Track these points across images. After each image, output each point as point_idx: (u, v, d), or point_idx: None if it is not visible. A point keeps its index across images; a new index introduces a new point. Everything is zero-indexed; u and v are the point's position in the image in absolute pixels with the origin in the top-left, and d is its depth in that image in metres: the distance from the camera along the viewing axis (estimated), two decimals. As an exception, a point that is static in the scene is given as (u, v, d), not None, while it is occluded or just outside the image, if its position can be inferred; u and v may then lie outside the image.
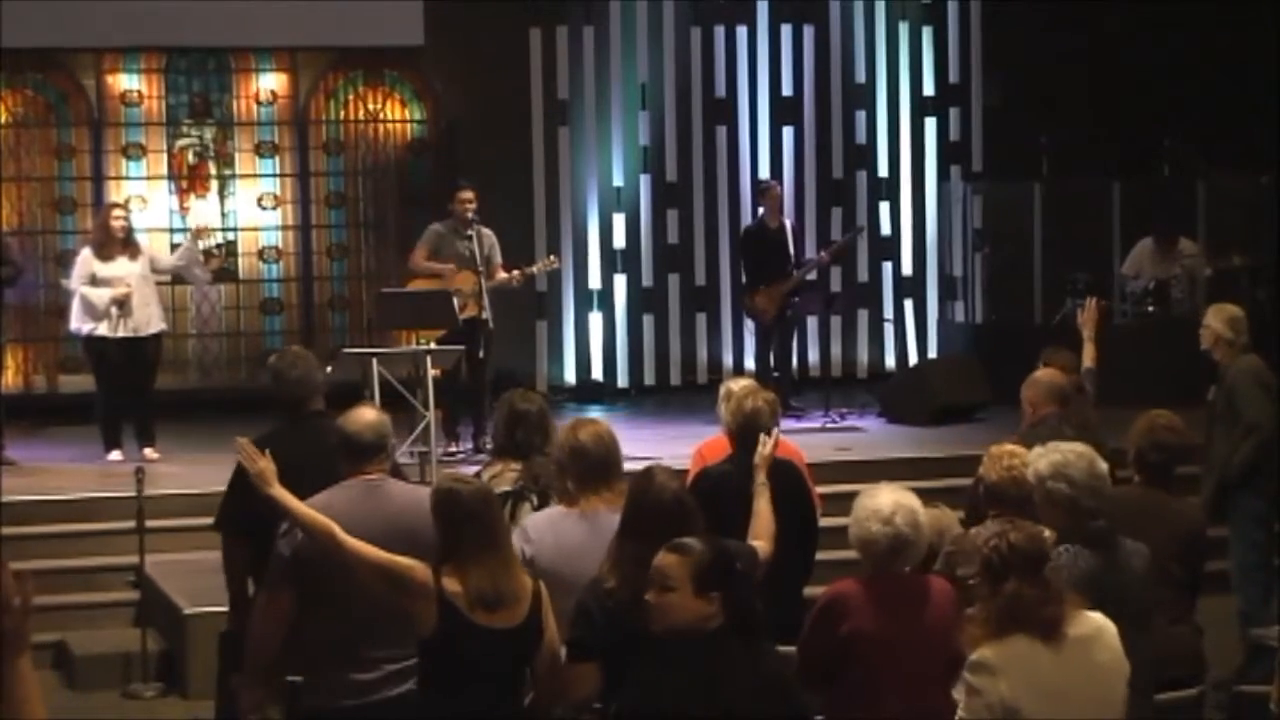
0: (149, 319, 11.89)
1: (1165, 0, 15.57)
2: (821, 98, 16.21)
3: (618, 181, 15.73)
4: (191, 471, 10.95)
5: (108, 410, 12.01)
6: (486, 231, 12.12)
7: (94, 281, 11.76)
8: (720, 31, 15.99)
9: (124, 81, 14.88)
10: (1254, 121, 15.05)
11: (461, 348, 11.54)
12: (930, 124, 16.52)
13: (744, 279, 14.26)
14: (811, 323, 15.63)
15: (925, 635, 5.40)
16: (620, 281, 15.77)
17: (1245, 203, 14.93)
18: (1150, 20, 15.76)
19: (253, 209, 15.14)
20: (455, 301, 11.56)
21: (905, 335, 16.38)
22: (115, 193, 14.42)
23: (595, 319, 15.72)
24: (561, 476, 6.06)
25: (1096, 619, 5.04)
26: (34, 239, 14.56)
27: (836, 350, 16.09)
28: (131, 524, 9.30)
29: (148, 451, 11.79)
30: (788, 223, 14.06)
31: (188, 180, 15.01)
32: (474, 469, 7.42)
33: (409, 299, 11.85)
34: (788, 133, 16.17)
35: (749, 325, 14.40)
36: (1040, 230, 15.24)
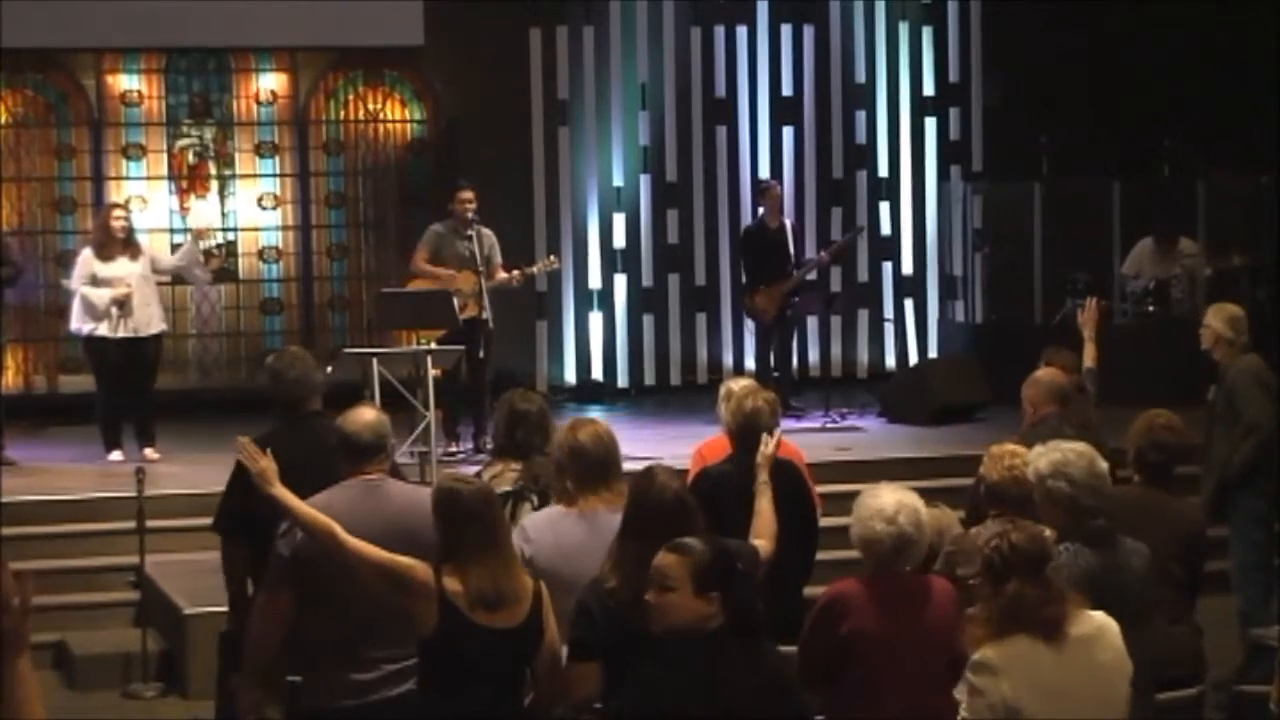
0: (149, 319, 11.89)
1: (1165, 0, 15.57)
2: (821, 98, 16.21)
3: (618, 181, 15.73)
4: (191, 471, 10.95)
5: (108, 410, 12.01)
6: (486, 231, 12.12)
7: (94, 282, 11.75)
8: (720, 31, 15.98)
9: (124, 81, 14.89)
10: (1254, 121, 15.05)
11: (461, 348, 11.54)
12: (930, 124, 16.52)
13: (744, 279, 14.26)
14: (811, 323, 15.64)
15: (926, 635, 5.40)
16: (620, 281, 15.77)
17: (1245, 203, 14.93)
18: (1150, 20, 15.75)
19: (253, 209, 15.14)
20: (455, 301, 11.56)
21: (905, 335, 16.38)
22: (115, 193, 14.42)
23: (595, 319, 15.72)
24: (560, 476, 6.06)
25: (1098, 618, 5.04)
26: (34, 239, 14.56)
27: (836, 350, 16.09)
28: (132, 524, 9.30)
29: (148, 451, 11.79)
30: (788, 223, 14.06)
31: (188, 180, 15.01)
32: (474, 469, 7.43)
33: (409, 299, 11.85)
34: (788, 133, 16.17)
35: (749, 325, 14.40)
36: (1040, 230, 15.24)
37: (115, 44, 14.54)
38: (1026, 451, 6.06)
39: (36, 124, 14.70)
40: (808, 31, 16.17)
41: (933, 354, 16.09)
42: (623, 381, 15.70)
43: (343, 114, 15.34)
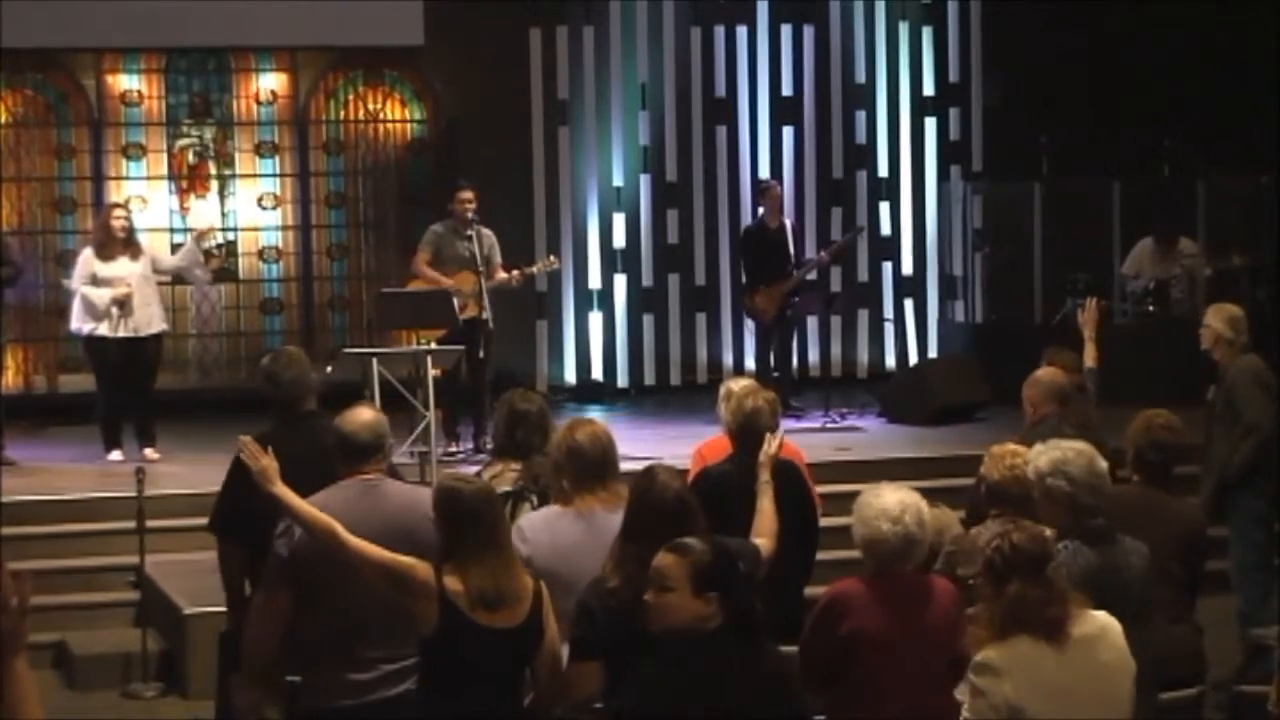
0: (150, 319, 11.88)
1: (1165, 0, 15.57)
2: (821, 98, 16.21)
3: (618, 181, 15.73)
4: (191, 471, 10.94)
5: (108, 410, 12.00)
6: (486, 231, 12.12)
7: (95, 281, 11.75)
8: (720, 31, 15.98)
9: (124, 81, 14.89)
10: (1254, 121, 15.05)
11: (461, 348, 11.54)
12: (930, 124, 16.52)
13: (744, 279, 14.25)
14: (811, 323, 15.64)
15: (927, 635, 5.39)
16: (620, 281, 15.77)
17: (1245, 203, 14.93)
18: (1150, 20, 15.75)
19: (253, 209, 15.15)
20: (455, 301, 11.56)
21: (905, 335, 16.38)
22: (115, 193, 14.42)
23: (595, 319, 15.72)
24: (557, 476, 6.06)
25: (1101, 618, 5.04)
26: (34, 239, 14.56)
27: (836, 350, 16.09)
28: (131, 524, 9.30)
29: (148, 451, 11.79)
30: (788, 223, 14.06)
31: (188, 180, 15.01)
32: (474, 469, 7.42)
33: (409, 299, 11.85)
34: (788, 133, 16.17)
35: (749, 325, 14.40)
36: (1040, 230, 15.24)
37: (115, 44, 14.54)
38: (1027, 451, 6.06)
39: (36, 124, 14.70)
40: (808, 31, 16.17)
41: (933, 354, 16.09)
42: (623, 381, 15.70)
43: (343, 114, 15.34)
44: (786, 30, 16.13)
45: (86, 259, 11.88)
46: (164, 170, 14.91)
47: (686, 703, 4.65)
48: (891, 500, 5.45)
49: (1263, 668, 6.62)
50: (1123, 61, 15.96)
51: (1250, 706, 6.49)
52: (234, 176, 15.08)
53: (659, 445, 10.72)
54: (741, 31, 16.03)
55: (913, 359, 16.07)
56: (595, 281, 15.70)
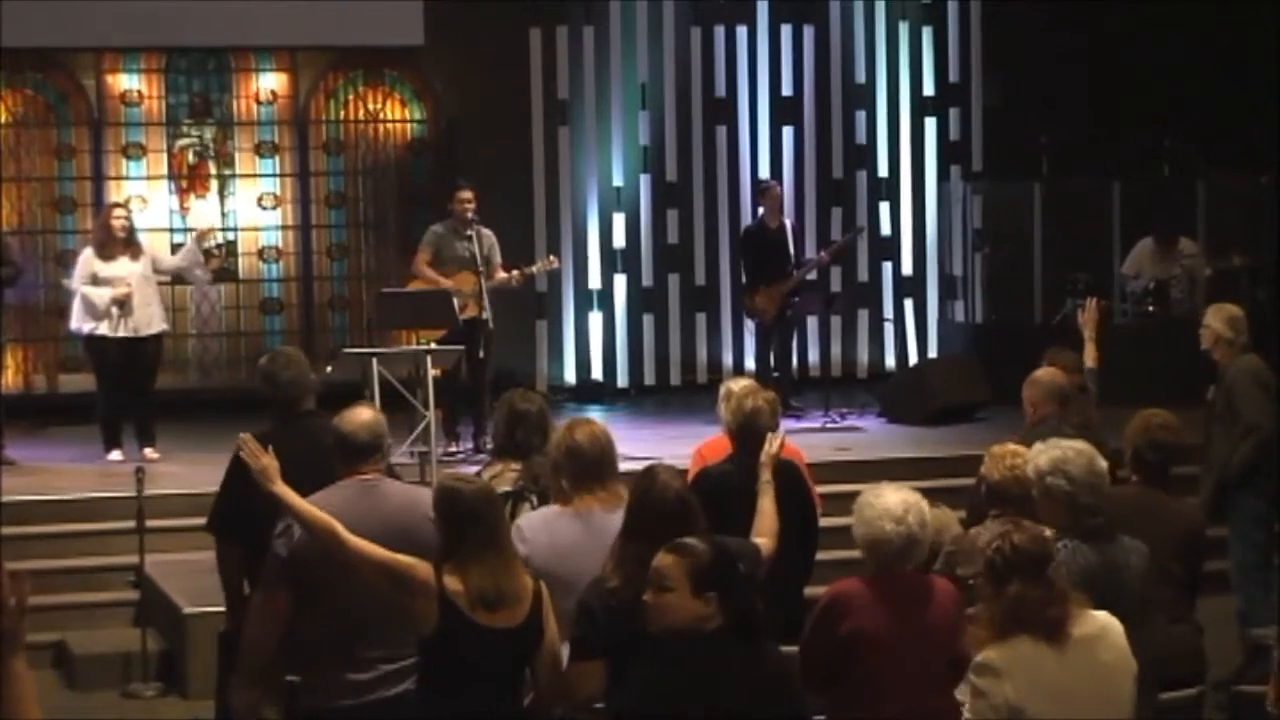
0: (150, 319, 11.88)
1: (1165, 0, 15.57)
2: (821, 98, 16.21)
3: (618, 181, 15.73)
4: (191, 471, 10.93)
5: (108, 410, 12.00)
6: (486, 231, 12.12)
7: (95, 281, 11.75)
8: (720, 31, 15.98)
9: (124, 81, 14.89)
10: (1254, 121, 15.05)
11: (461, 348, 11.54)
12: (930, 124, 16.51)
13: (744, 279, 14.25)
14: (811, 323, 15.64)
15: (927, 635, 5.39)
16: (620, 281, 15.77)
17: (1245, 203, 14.93)
18: (1150, 20, 15.75)
19: (253, 209, 15.15)
20: (455, 301, 11.56)
21: (905, 335, 16.37)
22: (115, 193, 14.42)
23: (595, 319, 15.72)
24: (556, 476, 6.05)
25: (1101, 618, 5.03)
26: (34, 239, 14.56)
27: (836, 350, 16.09)
28: (131, 524, 9.30)
29: (148, 451, 11.79)
30: (788, 223, 14.06)
31: (188, 180, 15.01)
32: (474, 469, 7.42)
33: (409, 299, 11.85)
34: (788, 133, 16.16)
35: (749, 325, 14.40)
36: (1040, 230, 15.24)
37: (115, 44, 14.54)
38: (1027, 451, 6.06)
39: (36, 124, 14.70)
40: (808, 31, 16.17)
41: (932, 354, 16.09)
42: (622, 381, 15.70)
43: (343, 114, 15.34)
44: (786, 30, 16.13)
45: (87, 259, 11.89)
46: (164, 170, 14.91)
47: (686, 703, 4.65)
48: (894, 500, 5.44)
49: (1262, 668, 6.60)
50: (1123, 61, 15.96)
51: (1250, 706, 6.48)
52: (234, 176, 15.08)
53: (659, 445, 10.72)
54: (741, 31, 16.03)
55: (913, 359, 16.07)
56: (595, 281, 15.69)
